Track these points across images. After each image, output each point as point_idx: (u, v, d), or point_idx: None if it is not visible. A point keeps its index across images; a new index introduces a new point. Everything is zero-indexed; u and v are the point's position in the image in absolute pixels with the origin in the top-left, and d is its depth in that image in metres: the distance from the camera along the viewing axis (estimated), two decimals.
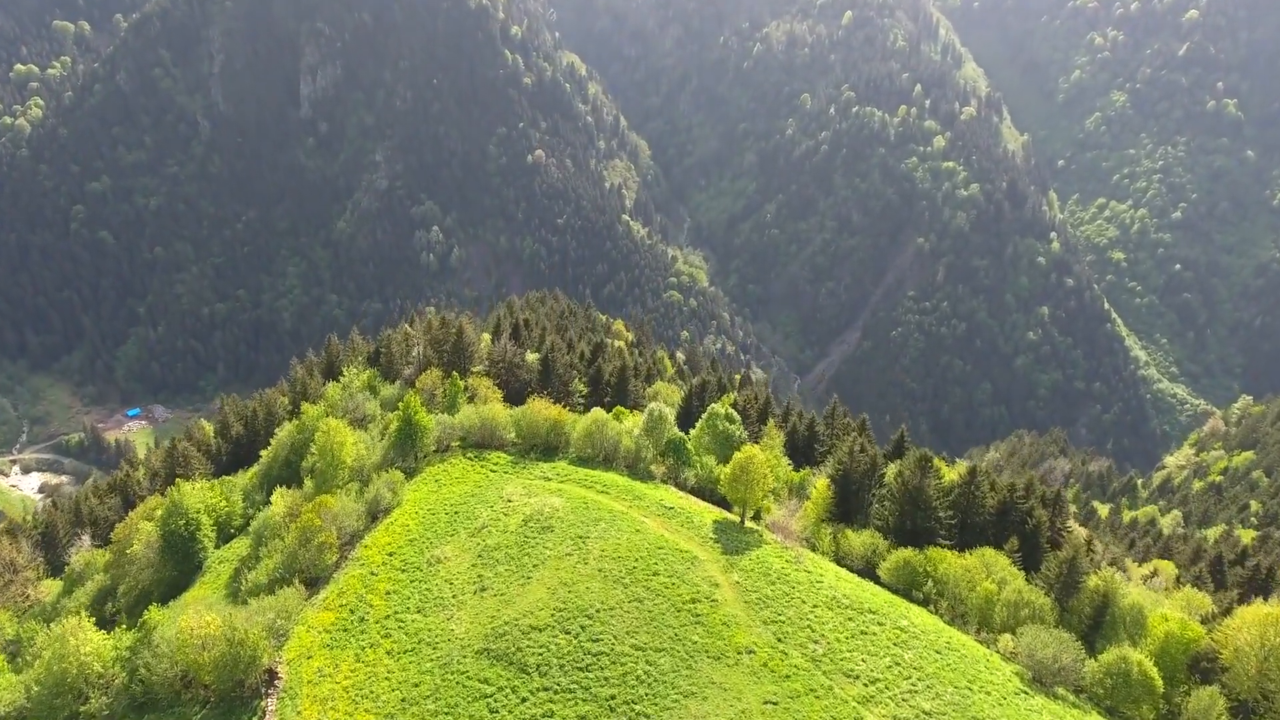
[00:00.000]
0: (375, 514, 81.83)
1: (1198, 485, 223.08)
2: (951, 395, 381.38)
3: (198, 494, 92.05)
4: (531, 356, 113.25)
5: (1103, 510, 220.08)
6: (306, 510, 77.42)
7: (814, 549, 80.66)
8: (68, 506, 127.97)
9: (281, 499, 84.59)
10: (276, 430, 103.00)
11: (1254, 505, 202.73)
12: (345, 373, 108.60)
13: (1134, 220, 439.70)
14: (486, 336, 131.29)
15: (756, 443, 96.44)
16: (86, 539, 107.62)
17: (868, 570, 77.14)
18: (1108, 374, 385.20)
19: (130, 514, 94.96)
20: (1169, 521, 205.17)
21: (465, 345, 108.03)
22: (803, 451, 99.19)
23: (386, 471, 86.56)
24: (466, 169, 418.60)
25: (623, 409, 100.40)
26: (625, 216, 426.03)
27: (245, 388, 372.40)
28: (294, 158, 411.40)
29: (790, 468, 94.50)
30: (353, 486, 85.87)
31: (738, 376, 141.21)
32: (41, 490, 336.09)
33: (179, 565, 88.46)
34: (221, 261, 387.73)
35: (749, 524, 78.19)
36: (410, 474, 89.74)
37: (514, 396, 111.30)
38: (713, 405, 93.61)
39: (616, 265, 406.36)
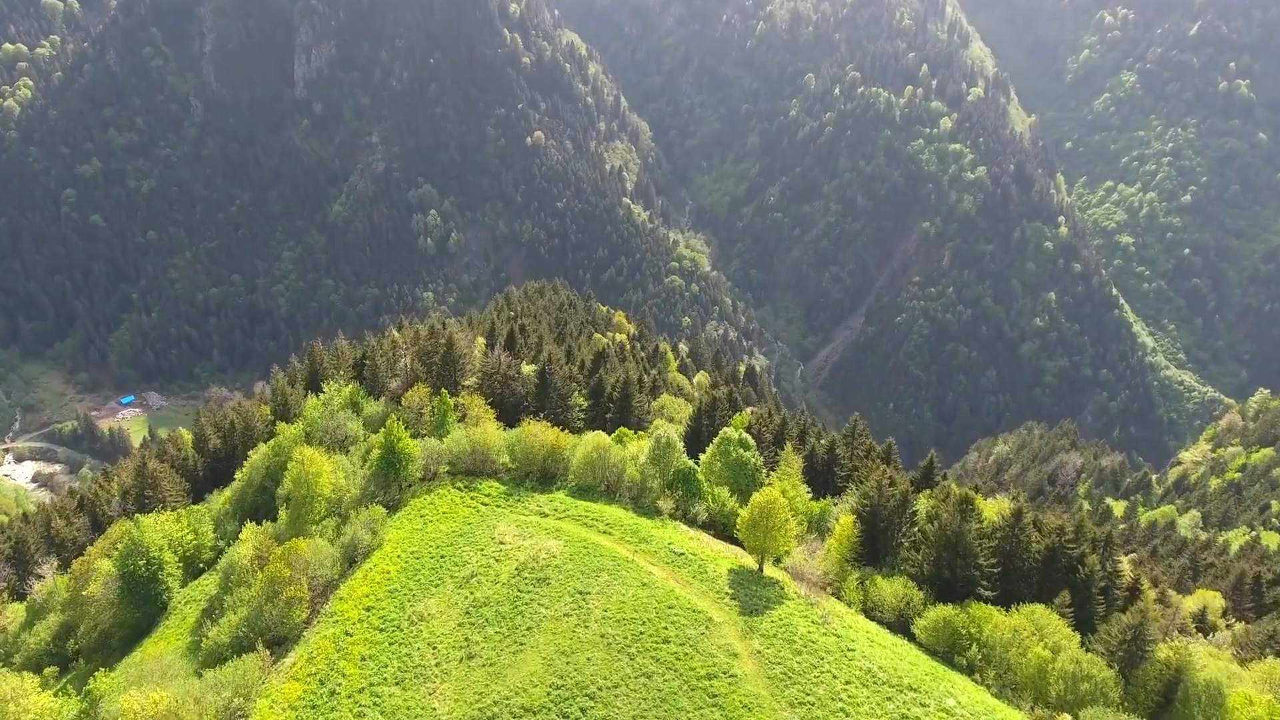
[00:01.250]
0: (353, 558, 73.12)
1: (1215, 483, 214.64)
2: (956, 382, 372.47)
3: (162, 526, 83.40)
4: (528, 369, 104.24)
5: (1117, 508, 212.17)
6: (275, 556, 68.72)
7: (839, 595, 72.11)
8: (40, 520, 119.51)
9: (250, 538, 75.93)
10: (250, 453, 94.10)
11: (1275, 505, 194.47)
12: (326, 388, 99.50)
13: (1143, 204, 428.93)
14: (481, 342, 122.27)
15: (773, 469, 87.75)
16: (50, 568, 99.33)
17: (900, 624, 68.61)
18: (1115, 361, 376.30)
19: (89, 548, 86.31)
20: (1187, 522, 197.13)
21: (455, 357, 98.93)
22: (822, 476, 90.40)
23: (366, 508, 77.74)
24: (464, 151, 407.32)
25: (626, 430, 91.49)
26: (626, 200, 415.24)
27: (241, 374, 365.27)
28: (288, 140, 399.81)
29: (808, 495, 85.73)
30: (329, 524, 77.21)
31: (747, 378, 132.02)
32: (35, 480, 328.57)
33: (141, 607, 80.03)
34: (215, 246, 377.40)
35: (768, 571, 69.56)
36: (393, 507, 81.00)
37: (508, 411, 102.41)
38: (725, 429, 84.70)
39: (617, 250, 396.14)
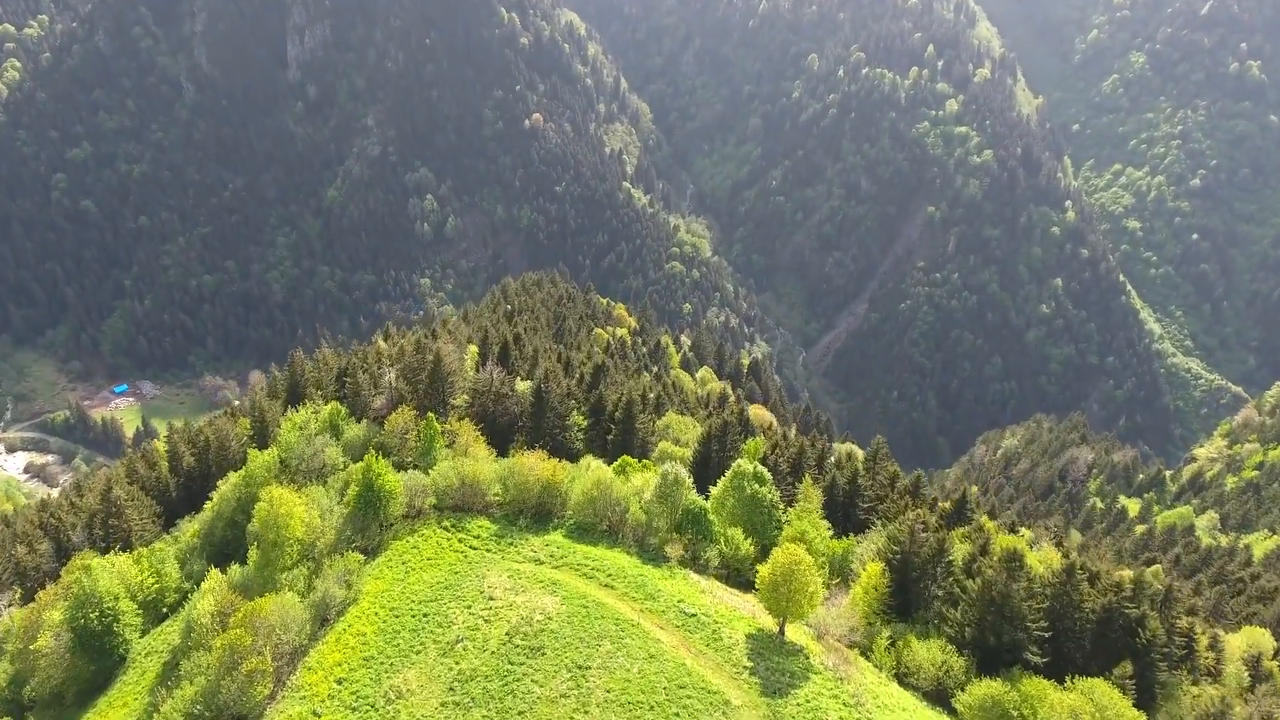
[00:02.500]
0: (325, 617, 64.85)
1: (1231, 481, 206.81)
2: (961, 370, 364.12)
3: (120, 569, 75.13)
4: (522, 386, 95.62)
5: (1131, 507, 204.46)
6: (236, 620, 60.43)
7: (867, 655, 64.08)
8: (7, 539, 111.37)
9: (212, 589, 67.63)
10: (220, 482, 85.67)
11: None
12: (302, 409, 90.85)
13: (1151, 187, 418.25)
14: (474, 350, 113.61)
15: (790, 503, 79.44)
16: (10, 600, 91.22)
17: (938, 693, 60.58)
18: (1121, 348, 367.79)
19: (40, 594, 77.99)
20: (1204, 524, 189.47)
21: (443, 375, 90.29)
22: (842, 509, 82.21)
23: (342, 555, 69.40)
24: (461, 134, 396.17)
25: (630, 460, 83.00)
26: (626, 184, 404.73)
27: (236, 363, 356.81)
28: (282, 123, 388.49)
29: (828, 532, 77.52)
30: (300, 573, 68.87)
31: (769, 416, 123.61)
32: (27, 470, 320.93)
33: (96, 660, 71.95)
34: (209, 232, 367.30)
35: (790, 633, 61.39)
36: (372, 551, 72.71)
37: (502, 432, 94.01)
38: (738, 462, 76.21)
39: (617, 235, 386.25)
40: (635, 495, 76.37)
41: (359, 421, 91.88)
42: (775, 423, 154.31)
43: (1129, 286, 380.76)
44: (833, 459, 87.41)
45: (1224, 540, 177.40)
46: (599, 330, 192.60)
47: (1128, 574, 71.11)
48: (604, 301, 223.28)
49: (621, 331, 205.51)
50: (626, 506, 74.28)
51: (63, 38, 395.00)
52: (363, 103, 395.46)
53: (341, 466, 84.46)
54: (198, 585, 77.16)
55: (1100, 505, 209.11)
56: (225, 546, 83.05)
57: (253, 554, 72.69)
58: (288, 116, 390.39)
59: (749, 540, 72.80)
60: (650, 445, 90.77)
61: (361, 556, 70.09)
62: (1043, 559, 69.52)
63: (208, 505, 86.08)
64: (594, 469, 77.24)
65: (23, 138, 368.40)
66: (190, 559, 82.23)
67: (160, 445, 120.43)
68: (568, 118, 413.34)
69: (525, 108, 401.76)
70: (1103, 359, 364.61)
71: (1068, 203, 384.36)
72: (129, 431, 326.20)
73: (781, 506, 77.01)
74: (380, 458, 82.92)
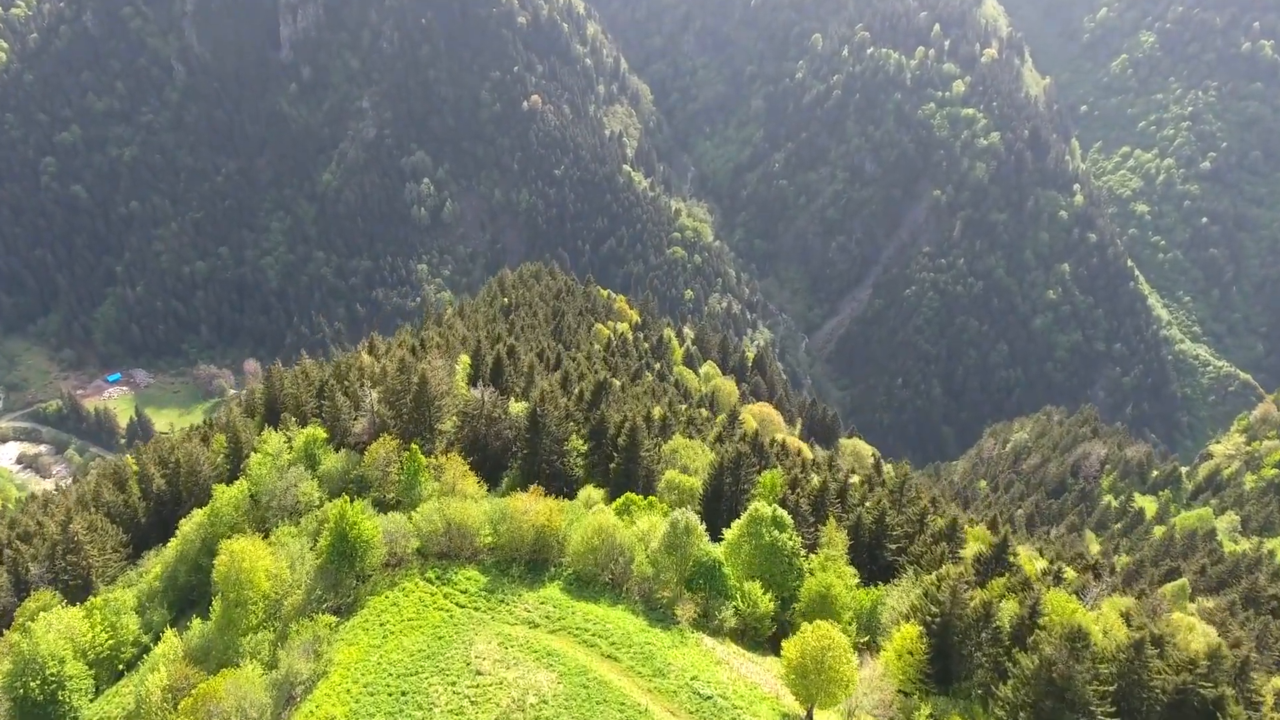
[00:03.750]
0: (291, 695, 56.65)
1: (1250, 480, 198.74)
2: (966, 357, 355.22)
3: (68, 624, 66.90)
4: (517, 407, 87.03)
5: (1148, 507, 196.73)
6: (185, 707, 52.20)
7: None
8: None
9: (165, 660, 59.43)
10: (182, 521, 77.29)
11: None
12: (274, 435, 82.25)
13: (1160, 170, 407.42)
14: (466, 361, 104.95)
15: (813, 549, 71.10)
16: None
17: None
18: (1129, 334, 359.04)
19: None
20: (1224, 526, 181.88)
21: (430, 398, 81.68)
22: (869, 550, 73.94)
23: (311, 619, 61.06)
24: (458, 116, 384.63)
25: (634, 498, 74.55)
26: (626, 167, 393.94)
27: (230, 351, 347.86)
28: (275, 105, 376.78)
29: (855, 579, 69.33)
30: (264, 639, 60.61)
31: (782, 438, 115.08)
32: (20, 461, 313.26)
33: None
34: (201, 217, 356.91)
35: (818, 715, 53.28)
36: (347, 609, 64.42)
37: (494, 460, 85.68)
38: (755, 505, 67.75)
39: (617, 219, 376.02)
40: (641, 541, 68.09)
41: (338, 449, 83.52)
42: (793, 442, 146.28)
43: (1137, 272, 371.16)
44: (858, 498, 78.91)
45: (1246, 545, 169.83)
46: (599, 326, 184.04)
47: (1200, 642, 62.89)
48: (604, 293, 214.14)
49: (622, 326, 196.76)
50: (631, 556, 65.98)
51: (50, 18, 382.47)
52: (357, 84, 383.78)
53: (317, 503, 76.16)
54: (158, 638, 69.29)
55: (1115, 504, 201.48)
56: (190, 592, 75.06)
57: (216, 605, 64.61)
58: (281, 98, 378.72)
59: (768, 595, 64.54)
60: (656, 474, 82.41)
61: (333, 618, 61.76)
62: (1102, 627, 61.12)
63: (172, 543, 77.81)
64: (594, 513, 68.91)
65: (10, 121, 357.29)
66: (151, 606, 74.13)
67: (131, 461, 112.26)
68: (566, 99, 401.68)
69: (523, 89, 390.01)
70: (1110, 346, 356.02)
71: (1076, 186, 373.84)
72: (122, 421, 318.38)
73: (803, 553, 68.70)
74: (359, 496, 74.96)
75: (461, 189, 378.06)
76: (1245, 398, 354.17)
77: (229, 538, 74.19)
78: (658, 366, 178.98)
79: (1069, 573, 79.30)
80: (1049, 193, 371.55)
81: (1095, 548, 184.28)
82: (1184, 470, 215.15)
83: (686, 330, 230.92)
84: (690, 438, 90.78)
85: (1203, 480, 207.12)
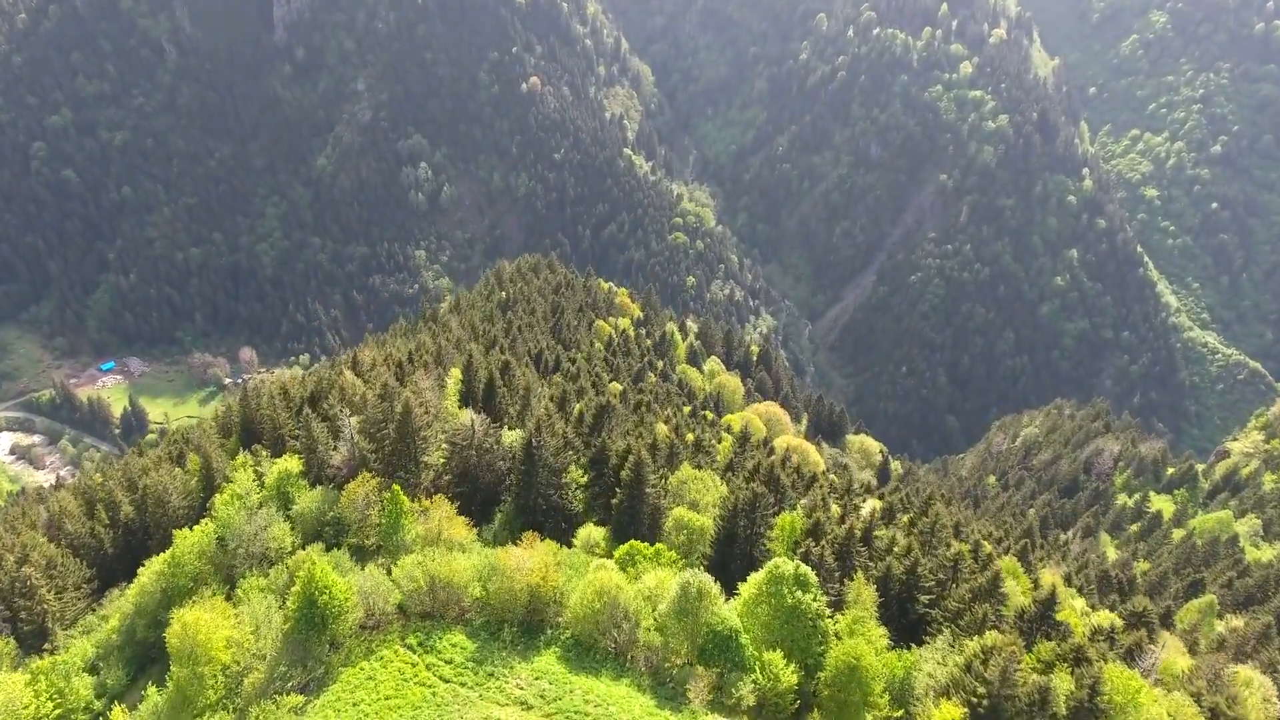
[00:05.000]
0: None
1: (1270, 481, 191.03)
2: (972, 345, 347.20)
3: (10, 692, 59.23)
4: (510, 436, 79.00)
5: (1165, 507, 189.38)
6: None
7: None
8: None
9: None
10: (143, 568, 69.50)
11: None
12: (242, 470, 74.29)
13: (1170, 154, 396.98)
14: (457, 375, 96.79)
15: (839, 609, 63.30)
16: None
17: None
18: (1137, 322, 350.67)
19: None
20: (1245, 529, 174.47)
21: (414, 429, 73.64)
22: (898, 602, 66.21)
23: (275, 702, 53.32)
24: (456, 99, 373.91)
25: (639, 547, 66.62)
26: (627, 150, 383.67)
27: (225, 339, 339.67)
28: (269, 87, 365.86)
29: (885, 640, 61.63)
30: None
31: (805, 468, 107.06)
32: (13, 452, 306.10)
33: None
34: (194, 203, 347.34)
35: None
36: (316, 684, 56.69)
37: (486, 493, 77.83)
38: (775, 562, 59.83)
39: (618, 204, 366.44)
40: (647, 600, 60.35)
41: (315, 483, 75.59)
42: (797, 444, 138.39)
43: (1146, 258, 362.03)
44: (885, 542, 71.00)
45: (1269, 552, 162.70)
46: (600, 322, 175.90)
47: (1259, 709, 55.32)
48: (605, 286, 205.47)
49: (624, 322, 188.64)
50: (637, 620, 58.21)
51: None
52: (352, 66, 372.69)
53: (289, 549, 68.31)
54: (113, 703, 61.75)
55: (1130, 504, 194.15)
56: (148, 651, 67.37)
57: (174, 675, 56.96)
58: (274, 80, 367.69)
59: (790, 666, 56.82)
60: (662, 511, 74.54)
61: (299, 699, 54.08)
62: (1168, 703, 53.46)
63: (130, 591, 70.05)
64: (595, 569, 61.06)
65: (0, 104, 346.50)
66: (107, 665, 66.43)
67: (101, 478, 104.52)
68: (566, 81, 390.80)
69: (522, 70, 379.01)
70: (1118, 334, 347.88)
71: (1085, 170, 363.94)
72: (116, 411, 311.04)
73: (828, 613, 60.89)
74: (336, 543, 67.21)
75: (459, 173, 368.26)
76: (1254, 386, 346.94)
77: (191, 589, 67.02)
78: (660, 365, 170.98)
79: (1117, 622, 71.70)
80: (1057, 177, 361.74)
81: (1112, 552, 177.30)
82: (1200, 468, 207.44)
83: (690, 323, 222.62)
84: (699, 466, 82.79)
85: (1220, 479, 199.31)
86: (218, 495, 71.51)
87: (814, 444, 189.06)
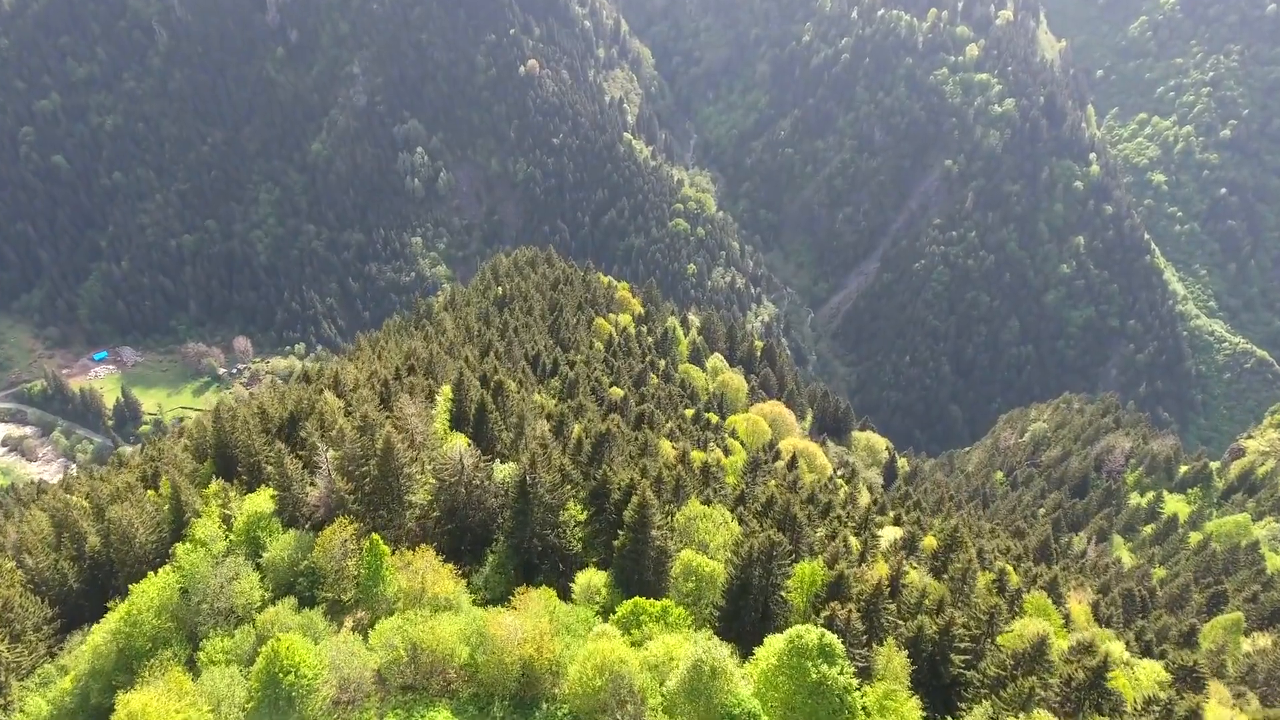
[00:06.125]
0: None
1: None
2: (976, 333, 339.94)
3: None
4: (503, 471, 71.93)
5: (1180, 510, 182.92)
6: None
7: None
8: None
9: None
10: (95, 628, 62.54)
11: None
12: (209, 511, 67.22)
13: (1178, 138, 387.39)
14: (447, 393, 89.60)
15: (867, 678, 56.55)
16: None
17: None
18: (1143, 310, 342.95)
19: None
20: (1264, 533, 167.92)
21: (396, 467, 66.55)
22: (929, 664, 59.48)
23: None
24: (453, 83, 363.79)
25: (645, 605, 59.71)
26: (627, 135, 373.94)
27: (220, 328, 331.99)
28: (262, 70, 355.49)
29: (920, 714, 54.95)
30: None
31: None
32: (5, 444, 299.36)
33: None
34: (187, 189, 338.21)
35: None
36: None
37: (476, 534, 70.93)
38: (796, 630, 52.97)
39: (618, 190, 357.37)
40: (654, 671, 53.59)
41: (289, 523, 68.56)
42: (806, 446, 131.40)
43: (1153, 245, 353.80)
44: (915, 598, 64.14)
45: None
46: (600, 321, 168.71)
47: None
48: (605, 280, 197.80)
49: (624, 318, 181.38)
50: (643, 698, 51.46)
51: None
52: (347, 48, 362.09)
53: (258, 604, 61.40)
54: None
55: (1143, 504, 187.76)
56: (105, 715, 60.55)
57: None
58: (268, 63, 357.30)
59: None
60: (669, 555, 67.58)
61: None
62: None
63: (85, 648, 63.13)
64: (596, 638, 54.22)
65: None
66: None
67: (77, 500, 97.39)
68: (565, 64, 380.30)
69: (520, 53, 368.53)
70: (1124, 322, 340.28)
71: (1092, 155, 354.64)
72: (109, 402, 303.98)
73: (855, 684, 54.14)
74: (309, 600, 60.32)
75: (456, 159, 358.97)
76: (1261, 375, 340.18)
77: (150, 650, 60.13)
78: (662, 365, 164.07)
79: (1163, 675, 65.05)
80: (1064, 162, 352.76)
81: (1126, 556, 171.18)
82: (1214, 466, 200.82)
83: (692, 317, 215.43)
84: (708, 501, 75.75)
85: (1235, 479, 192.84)
86: (179, 544, 64.41)
87: (819, 443, 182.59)
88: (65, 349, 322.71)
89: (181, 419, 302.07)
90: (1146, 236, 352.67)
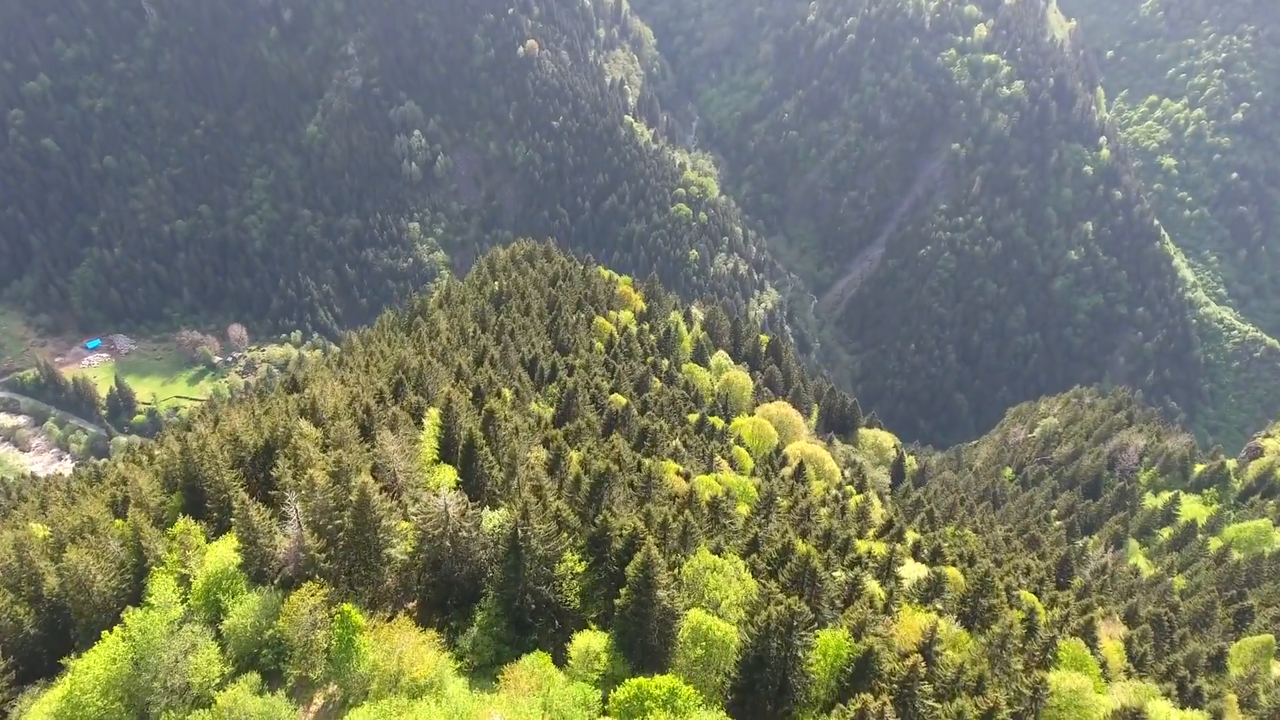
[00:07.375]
0: None
1: None
2: (982, 321, 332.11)
3: None
4: (492, 520, 64.49)
5: (1199, 514, 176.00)
6: None
7: None
8: None
9: None
10: (37, 706, 55.50)
11: None
12: (166, 580, 59.93)
13: (1188, 121, 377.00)
14: (434, 414, 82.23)
15: None
16: None
17: None
18: (1152, 297, 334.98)
19: None
20: None
21: (373, 522, 59.14)
22: None
23: None
24: (450, 64, 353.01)
25: (649, 689, 52.51)
26: (628, 117, 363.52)
27: (215, 315, 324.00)
28: (255, 51, 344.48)
29: None
30: None
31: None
32: None
33: None
34: (180, 173, 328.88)
35: None
36: None
37: (463, 589, 63.66)
38: None
39: (619, 174, 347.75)
40: None
41: (255, 578, 61.31)
42: (816, 452, 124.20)
43: (1163, 231, 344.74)
44: (952, 672, 56.98)
45: None
46: (600, 319, 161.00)
47: None
48: (605, 275, 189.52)
49: (625, 315, 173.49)
50: None
51: None
52: (342, 28, 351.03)
53: (216, 682, 54.25)
54: None
55: (1159, 506, 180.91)
56: None
57: None
58: (261, 43, 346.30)
59: None
60: (675, 617, 60.35)
61: None
62: None
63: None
64: None
65: None
66: None
67: (39, 531, 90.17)
68: (565, 44, 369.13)
69: (519, 33, 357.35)
70: (1132, 310, 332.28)
71: (1102, 139, 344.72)
72: (102, 391, 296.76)
73: None
74: (275, 676, 53.17)
75: (454, 142, 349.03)
76: (1271, 364, 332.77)
77: None
78: (665, 366, 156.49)
79: None
80: (1073, 146, 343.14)
81: (1143, 563, 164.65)
82: (1231, 466, 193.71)
83: (695, 311, 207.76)
84: (719, 551, 68.44)
85: (1254, 480, 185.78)
86: (129, 610, 57.12)
87: (826, 441, 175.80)
88: (58, 337, 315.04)
89: (176, 409, 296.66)
90: (1156, 222, 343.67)
